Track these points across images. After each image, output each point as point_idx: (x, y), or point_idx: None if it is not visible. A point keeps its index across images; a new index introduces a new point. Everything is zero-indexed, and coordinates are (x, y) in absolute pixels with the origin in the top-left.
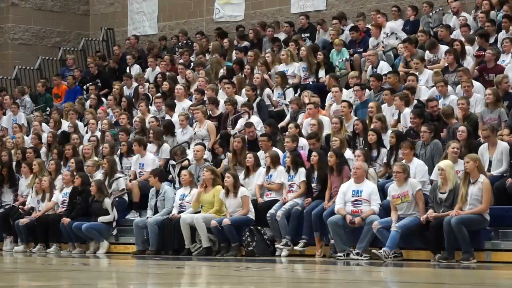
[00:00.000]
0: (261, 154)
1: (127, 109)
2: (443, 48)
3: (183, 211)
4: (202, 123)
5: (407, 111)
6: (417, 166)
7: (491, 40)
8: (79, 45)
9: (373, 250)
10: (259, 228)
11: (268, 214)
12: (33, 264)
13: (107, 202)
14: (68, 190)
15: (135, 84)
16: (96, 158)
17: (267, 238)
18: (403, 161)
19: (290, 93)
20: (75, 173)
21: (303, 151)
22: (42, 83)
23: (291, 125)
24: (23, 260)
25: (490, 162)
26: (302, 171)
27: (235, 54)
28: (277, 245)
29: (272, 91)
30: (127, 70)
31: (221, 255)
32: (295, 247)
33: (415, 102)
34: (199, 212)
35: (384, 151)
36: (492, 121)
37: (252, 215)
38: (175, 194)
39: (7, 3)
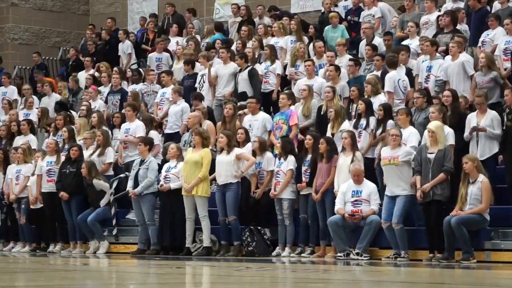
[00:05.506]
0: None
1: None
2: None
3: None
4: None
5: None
6: (410, 133)
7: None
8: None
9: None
10: (259, 228)
11: (279, 222)
12: (33, 264)
13: (99, 183)
14: (53, 158)
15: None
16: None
17: (267, 238)
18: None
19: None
20: (66, 143)
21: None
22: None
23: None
24: (23, 260)
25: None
26: (291, 159)
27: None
28: (291, 254)
29: (260, 63)
30: (119, 47)
31: (221, 255)
32: (303, 254)
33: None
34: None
35: (373, 119)
36: (485, 84)
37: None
38: (158, 164)
39: (7, 3)
